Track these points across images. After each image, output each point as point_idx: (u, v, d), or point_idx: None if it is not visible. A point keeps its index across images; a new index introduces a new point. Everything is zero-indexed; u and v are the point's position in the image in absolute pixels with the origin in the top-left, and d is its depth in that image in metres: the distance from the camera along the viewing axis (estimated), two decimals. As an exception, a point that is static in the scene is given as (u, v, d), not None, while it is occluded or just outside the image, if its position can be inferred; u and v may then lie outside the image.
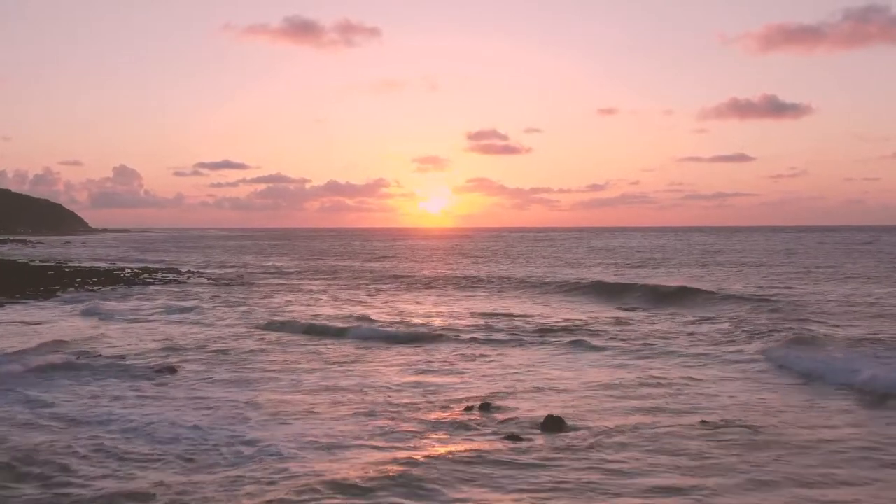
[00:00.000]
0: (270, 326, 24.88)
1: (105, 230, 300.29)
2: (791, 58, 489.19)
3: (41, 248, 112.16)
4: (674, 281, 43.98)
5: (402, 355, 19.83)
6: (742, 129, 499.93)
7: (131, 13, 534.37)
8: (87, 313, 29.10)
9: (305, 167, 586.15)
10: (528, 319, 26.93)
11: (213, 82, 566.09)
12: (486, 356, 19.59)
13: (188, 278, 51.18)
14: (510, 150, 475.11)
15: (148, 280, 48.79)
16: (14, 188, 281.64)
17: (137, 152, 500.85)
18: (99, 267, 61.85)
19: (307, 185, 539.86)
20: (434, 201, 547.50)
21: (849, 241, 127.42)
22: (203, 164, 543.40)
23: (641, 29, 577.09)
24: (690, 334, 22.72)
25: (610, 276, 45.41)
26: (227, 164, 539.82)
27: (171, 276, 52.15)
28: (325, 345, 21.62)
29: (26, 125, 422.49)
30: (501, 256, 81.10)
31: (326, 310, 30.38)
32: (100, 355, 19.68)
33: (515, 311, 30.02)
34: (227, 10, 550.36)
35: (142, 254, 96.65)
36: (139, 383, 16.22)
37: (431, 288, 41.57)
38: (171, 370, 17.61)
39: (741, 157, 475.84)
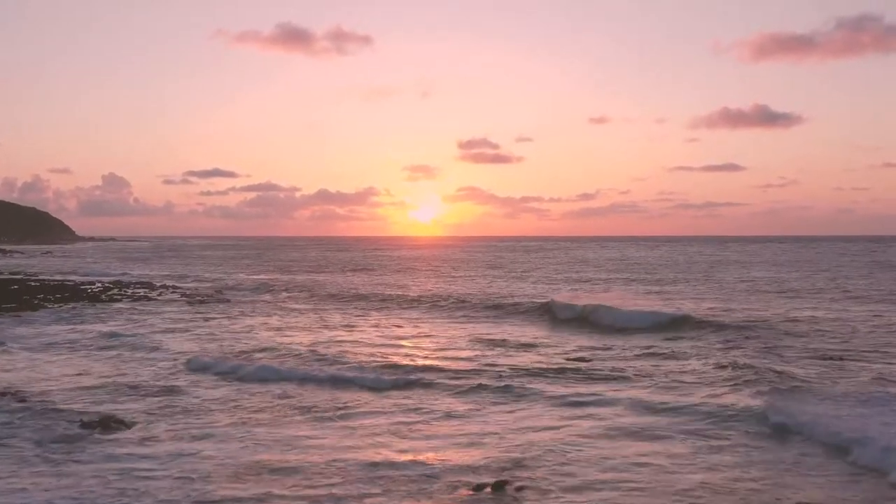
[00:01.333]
0: (228, 367, 20.23)
1: (91, 239, 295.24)
2: (783, 67, 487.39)
3: (18, 259, 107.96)
4: (687, 301, 40.60)
5: (388, 403, 16.00)
6: (733, 138, 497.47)
7: (122, 19, 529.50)
8: (13, 340, 25.02)
9: (296, 176, 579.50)
10: (537, 351, 23.21)
11: (203, 89, 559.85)
12: (493, 406, 15.79)
13: (160, 294, 47.34)
14: (501, 158, 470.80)
15: (116, 296, 44.90)
16: (2, 196, 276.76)
17: (127, 160, 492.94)
18: (69, 281, 57.88)
19: (297, 194, 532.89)
20: (424, 210, 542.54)
21: (850, 251, 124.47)
22: (193, 173, 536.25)
23: (635, 37, 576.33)
24: (730, 381, 17.90)
25: (619, 297, 41.61)
26: (217, 173, 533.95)
27: (142, 292, 48.28)
28: (293, 390, 17.54)
29: (15, 132, 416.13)
30: (496, 269, 77.49)
31: (302, 337, 26.60)
32: (14, 400, 15.90)
33: (522, 338, 26.32)
34: (219, 16, 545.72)
35: (123, 265, 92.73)
36: (44, 449, 12.45)
37: (421, 308, 37.60)
38: (104, 425, 13.95)
39: (732, 167, 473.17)
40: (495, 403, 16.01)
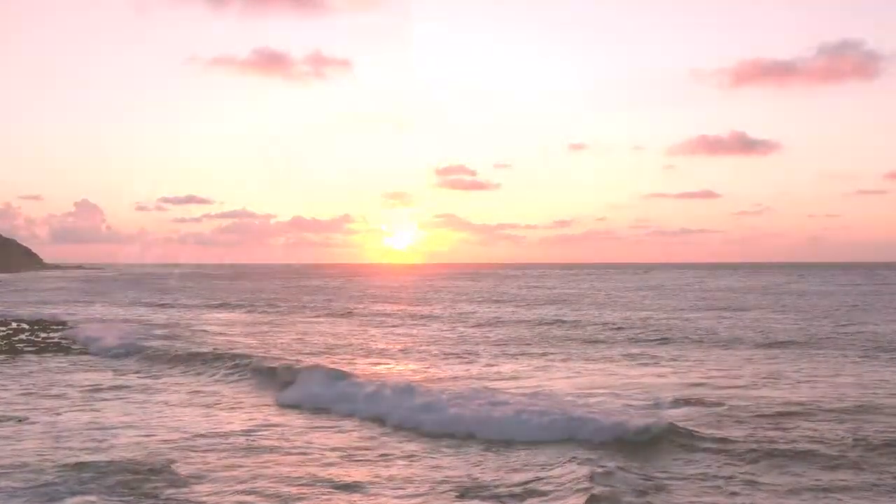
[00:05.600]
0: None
1: (58, 266, 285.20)
2: (763, 94, 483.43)
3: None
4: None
5: None
6: (710, 165, 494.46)
7: (93, 44, 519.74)
8: None
9: (271, 203, 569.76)
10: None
11: (177, 115, 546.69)
12: None
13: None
14: (478, 185, 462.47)
15: (19, 344, 37.20)
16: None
17: (99, 187, 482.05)
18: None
19: (272, 221, 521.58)
20: (400, 237, 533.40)
21: (847, 282, 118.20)
22: (166, 200, 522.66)
23: (615, 64, 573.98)
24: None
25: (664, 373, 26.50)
26: (191, 200, 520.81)
27: (57, 337, 40.66)
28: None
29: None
30: (482, 304, 70.25)
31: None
32: None
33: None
34: (193, 40, 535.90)
35: (75, 297, 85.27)
36: None
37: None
38: None
39: (707, 194, 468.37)
40: None
